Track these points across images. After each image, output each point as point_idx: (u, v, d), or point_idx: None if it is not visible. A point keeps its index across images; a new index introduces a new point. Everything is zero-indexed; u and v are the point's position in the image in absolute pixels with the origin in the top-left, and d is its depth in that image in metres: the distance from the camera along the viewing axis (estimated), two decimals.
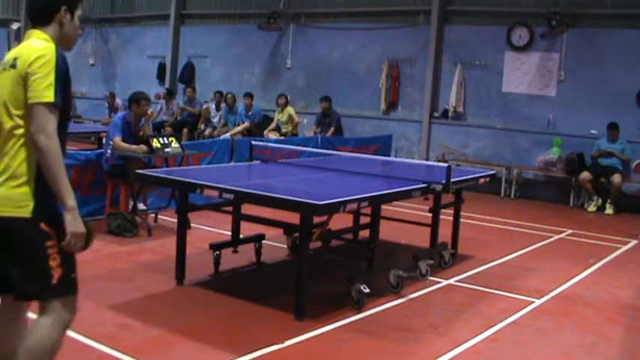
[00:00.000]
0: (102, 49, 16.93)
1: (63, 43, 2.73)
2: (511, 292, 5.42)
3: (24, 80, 2.54)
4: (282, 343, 4.02)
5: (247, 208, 5.48)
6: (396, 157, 11.57)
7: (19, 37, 18.42)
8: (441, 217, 6.03)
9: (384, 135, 12.09)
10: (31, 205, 2.57)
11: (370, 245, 5.33)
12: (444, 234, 6.18)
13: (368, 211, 5.40)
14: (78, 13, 2.79)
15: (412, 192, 5.16)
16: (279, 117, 12.47)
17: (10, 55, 2.67)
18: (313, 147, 9.53)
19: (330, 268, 5.96)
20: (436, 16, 12.02)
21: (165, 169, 6.79)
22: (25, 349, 2.64)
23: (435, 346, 4.17)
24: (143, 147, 6.80)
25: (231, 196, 4.63)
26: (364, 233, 5.69)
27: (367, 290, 4.70)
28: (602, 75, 10.56)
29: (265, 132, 12.31)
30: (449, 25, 12.14)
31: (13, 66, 2.59)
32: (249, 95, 12.85)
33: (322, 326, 4.34)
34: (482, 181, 6.48)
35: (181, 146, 7.23)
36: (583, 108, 10.73)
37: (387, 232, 6.45)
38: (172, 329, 4.16)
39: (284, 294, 4.82)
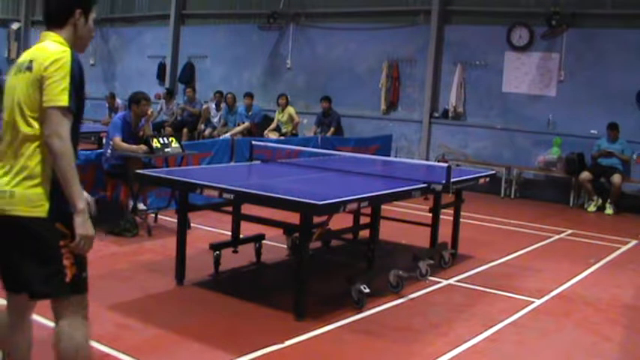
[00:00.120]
0: (102, 49, 16.91)
1: (76, 46, 2.74)
2: (511, 292, 5.42)
3: (39, 83, 2.56)
4: (282, 343, 4.02)
5: (247, 208, 5.48)
6: (396, 157, 11.57)
7: (19, 37, 18.45)
8: (441, 217, 6.03)
9: (384, 135, 12.08)
10: (46, 205, 2.60)
11: (370, 245, 5.32)
12: (444, 234, 6.18)
13: (368, 211, 5.39)
14: (92, 15, 2.80)
15: (412, 192, 5.17)
16: (280, 117, 12.47)
17: (24, 57, 2.68)
18: (313, 147, 9.52)
19: (330, 268, 5.96)
20: (436, 16, 12.02)
21: (165, 169, 6.77)
22: (61, 358, 2.65)
23: (435, 346, 4.17)
24: (143, 147, 6.80)
25: (231, 196, 4.63)
26: (364, 233, 5.68)
27: (367, 290, 4.70)
28: (602, 75, 10.56)
29: (265, 132, 12.32)
30: (449, 25, 12.14)
31: (29, 68, 2.60)
32: (249, 95, 12.86)
33: (322, 326, 4.34)
34: (482, 181, 6.49)
35: (181, 146, 7.24)
36: (583, 108, 10.73)
37: (387, 232, 6.44)
38: (172, 329, 4.17)
39: (284, 294, 4.82)
